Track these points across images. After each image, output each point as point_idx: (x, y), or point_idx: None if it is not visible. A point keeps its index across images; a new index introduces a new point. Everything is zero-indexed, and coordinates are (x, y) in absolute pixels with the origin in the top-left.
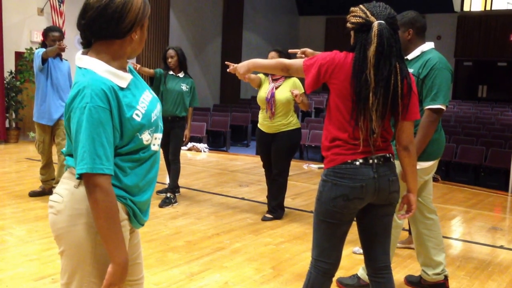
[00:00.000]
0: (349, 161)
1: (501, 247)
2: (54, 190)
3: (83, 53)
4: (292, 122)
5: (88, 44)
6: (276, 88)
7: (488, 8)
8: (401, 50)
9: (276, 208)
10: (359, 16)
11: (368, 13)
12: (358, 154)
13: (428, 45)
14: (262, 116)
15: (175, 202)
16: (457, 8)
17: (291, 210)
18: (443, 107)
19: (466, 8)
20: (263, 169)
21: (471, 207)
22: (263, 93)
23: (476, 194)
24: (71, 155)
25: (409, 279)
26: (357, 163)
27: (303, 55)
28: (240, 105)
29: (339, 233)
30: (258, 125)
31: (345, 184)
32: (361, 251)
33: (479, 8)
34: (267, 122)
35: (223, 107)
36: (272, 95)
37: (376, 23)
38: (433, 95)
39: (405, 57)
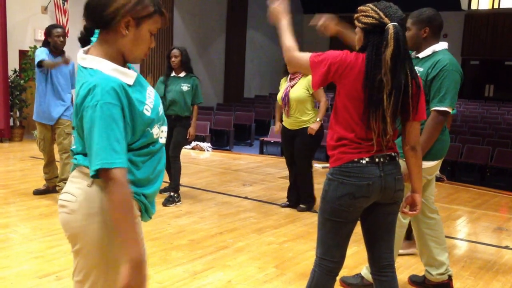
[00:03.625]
0: (356, 159)
1: (506, 247)
2: (64, 189)
3: (85, 52)
4: (312, 118)
5: (84, 41)
6: (292, 87)
7: (496, 6)
8: (408, 50)
9: (307, 199)
10: (372, 17)
11: (381, 14)
12: (364, 153)
13: (441, 45)
14: (283, 113)
15: (179, 201)
16: (464, 6)
17: (294, 210)
18: (450, 110)
19: (473, 6)
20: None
21: (476, 207)
22: (281, 93)
23: (482, 194)
24: (81, 154)
25: (413, 279)
26: (363, 161)
27: (324, 28)
28: (244, 104)
29: (344, 231)
30: (282, 122)
31: (352, 182)
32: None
33: (486, 6)
34: (287, 119)
35: (227, 106)
36: (286, 94)
37: (391, 25)
38: (441, 97)
39: (416, 56)
